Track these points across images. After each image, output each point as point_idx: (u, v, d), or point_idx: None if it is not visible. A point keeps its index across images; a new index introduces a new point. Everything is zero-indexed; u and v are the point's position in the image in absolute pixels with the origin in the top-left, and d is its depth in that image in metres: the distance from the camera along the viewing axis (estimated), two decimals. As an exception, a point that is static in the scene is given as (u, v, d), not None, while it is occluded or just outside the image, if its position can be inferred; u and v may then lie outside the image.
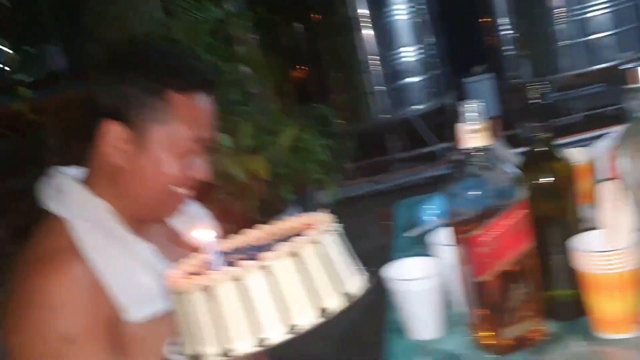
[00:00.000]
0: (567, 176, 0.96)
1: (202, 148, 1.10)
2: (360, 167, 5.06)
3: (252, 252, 0.94)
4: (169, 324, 1.00)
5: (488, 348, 0.95)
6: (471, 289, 0.96)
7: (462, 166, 0.92)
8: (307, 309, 0.84)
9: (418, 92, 5.18)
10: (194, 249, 1.25)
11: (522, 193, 0.91)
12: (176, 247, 1.21)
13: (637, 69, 0.82)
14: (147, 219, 1.14)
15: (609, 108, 5.38)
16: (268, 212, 3.46)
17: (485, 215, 0.90)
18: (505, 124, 5.05)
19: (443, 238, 1.10)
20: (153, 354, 1.04)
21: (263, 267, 0.83)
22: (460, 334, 1.03)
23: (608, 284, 0.88)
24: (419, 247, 1.38)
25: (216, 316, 0.82)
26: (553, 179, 0.96)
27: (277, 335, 0.82)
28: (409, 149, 5.82)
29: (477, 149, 0.90)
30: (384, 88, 5.14)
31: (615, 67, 4.72)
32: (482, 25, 5.40)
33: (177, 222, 1.24)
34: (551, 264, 0.98)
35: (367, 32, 5.08)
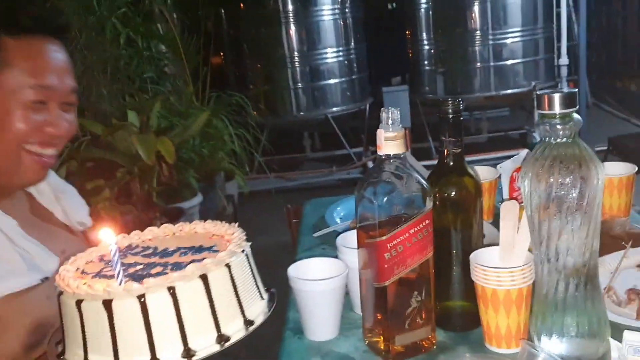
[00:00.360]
0: (473, 192, 0.98)
1: (56, 99, 1.02)
2: (271, 162, 5.04)
3: (155, 258, 0.90)
4: (30, 302, 0.93)
5: (380, 353, 0.96)
6: (370, 294, 0.96)
7: (376, 171, 0.92)
8: (207, 334, 0.81)
9: (336, 94, 5.23)
10: (63, 226, 1.19)
11: (429, 204, 0.92)
12: (41, 222, 1.14)
13: (549, 96, 0.85)
14: (3, 186, 1.05)
15: (512, 132, 5.69)
16: (170, 196, 3.37)
17: (392, 222, 0.90)
18: (416, 136, 5.24)
19: (349, 241, 1.10)
20: (13, 332, 0.97)
21: (168, 288, 0.78)
22: (354, 337, 1.03)
23: (500, 299, 0.91)
24: (325, 247, 1.39)
25: (111, 328, 0.78)
26: (460, 192, 0.98)
27: (171, 357, 0.78)
28: (322, 149, 5.88)
29: (392, 156, 0.90)
30: (304, 86, 5.15)
31: (522, 93, 4.99)
32: (405, 37, 5.54)
33: (41, 196, 1.17)
34: (450, 274, 1.00)
35: (292, 28, 5.06)
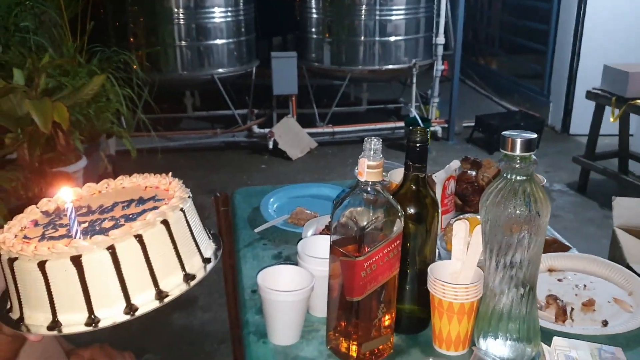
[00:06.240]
0: (432, 211, 1.09)
1: None
2: (153, 120, 4.87)
3: (95, 215, 0.94)
4: None
5: (346, 358, 1.05)
6: (340, 304, 1.04)
7: (356, 195, 0.99)
8: (174, 275, 0.87)
9: (223, 55, 5.14)
10: None
11: (400, 226, 1.01)
12: None
13: (512, 139, 0.96)
14: None
15: (390, 105, 5.97)
16: (54, 160, 3.18)
17: (368, 242, 0.98)
18: (300, 102, 5.32)
19: (310, 248, 1.17)
20: None
21: (135, 236, 0.84)
22: (315, 340, 1.11)
23: (454, 310, 1.04)
24: (266, 243, 1.45)
25: (82, 283, 0.81)
26: (422, 212, 1.08)
27: (146, 301, 0.84)
28: (204, 109, 5.77)
29: (371, 183, 0.98)
30: (189, 44, 4.99)
31: (402, 69, 5.24)
32: (294, 3, 5.54)
33: None
34: (404, 281, 1.10)
35: (180, -18, 4.86)
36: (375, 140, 0.97)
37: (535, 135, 0.97)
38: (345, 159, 4.95)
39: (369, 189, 0.98)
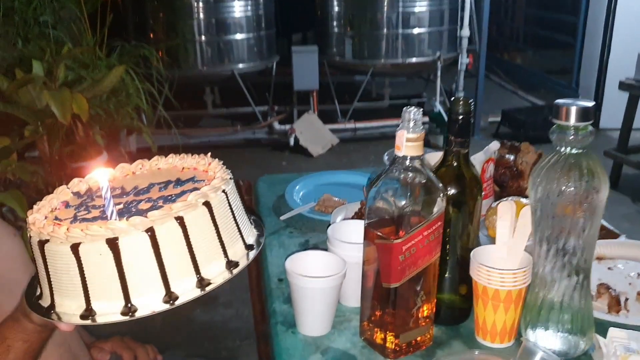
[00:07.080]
0: (476, 191, 1.00)
1: None
2: (172, 117, 4.82)
3: (130, 197, 0.87)
4: None
5: (380, 350, 0.97)
6: (375, 292, 0.96)
7: (394, 171, 0.90)
8: (217, 262, 0.80)
9: (243, 50, 5.08)
10: None
11: (442, 206, 0.92)
12: None
13: (567, 107, 0.87)
14: None
15: (413, 99, 5.87)
16: (73, 155, 3.14)
17: (407, 223, 0.90)
18: (321, 97, 5.24)
19: (340, 233, 1.09)
20: None
21: (176, 218, 0.76)
22: (347, 331, 1.03)
23: (500, 298, 0.95)
24: (292, 231, 1.37)
25: (118, 268, 0.74)
26: (464, 192, 0.99)
27: (187, 289, 0.77)
28: (224, 106, 5.72)
29: (410, 158, 0.89)
30: (209, 39, 4.94)
31: (426, 62, 5.13)
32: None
33: None
34: (444, 269, 1.02)
35: (199, -24, 4.81)
36: (415, 109, 0.89)
37: (592, 103, 0.88)
38: (368, 155, 4.85)
39: (407, 164, 0.90)
